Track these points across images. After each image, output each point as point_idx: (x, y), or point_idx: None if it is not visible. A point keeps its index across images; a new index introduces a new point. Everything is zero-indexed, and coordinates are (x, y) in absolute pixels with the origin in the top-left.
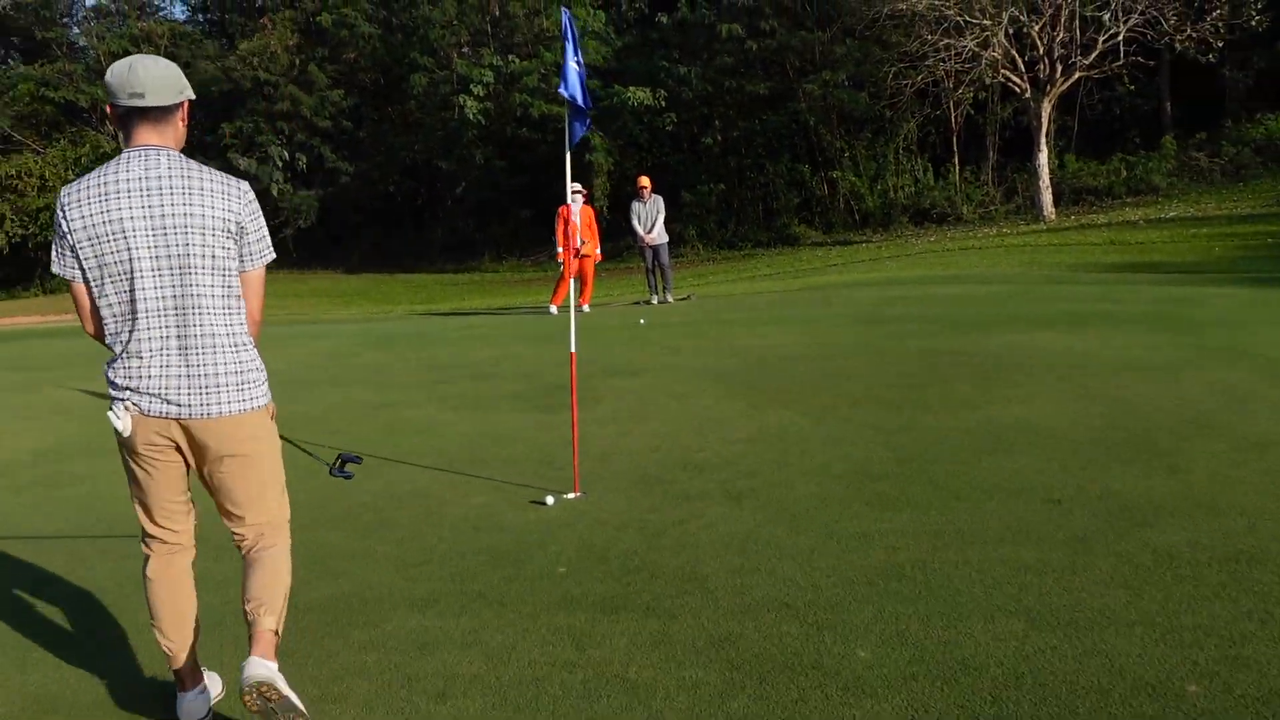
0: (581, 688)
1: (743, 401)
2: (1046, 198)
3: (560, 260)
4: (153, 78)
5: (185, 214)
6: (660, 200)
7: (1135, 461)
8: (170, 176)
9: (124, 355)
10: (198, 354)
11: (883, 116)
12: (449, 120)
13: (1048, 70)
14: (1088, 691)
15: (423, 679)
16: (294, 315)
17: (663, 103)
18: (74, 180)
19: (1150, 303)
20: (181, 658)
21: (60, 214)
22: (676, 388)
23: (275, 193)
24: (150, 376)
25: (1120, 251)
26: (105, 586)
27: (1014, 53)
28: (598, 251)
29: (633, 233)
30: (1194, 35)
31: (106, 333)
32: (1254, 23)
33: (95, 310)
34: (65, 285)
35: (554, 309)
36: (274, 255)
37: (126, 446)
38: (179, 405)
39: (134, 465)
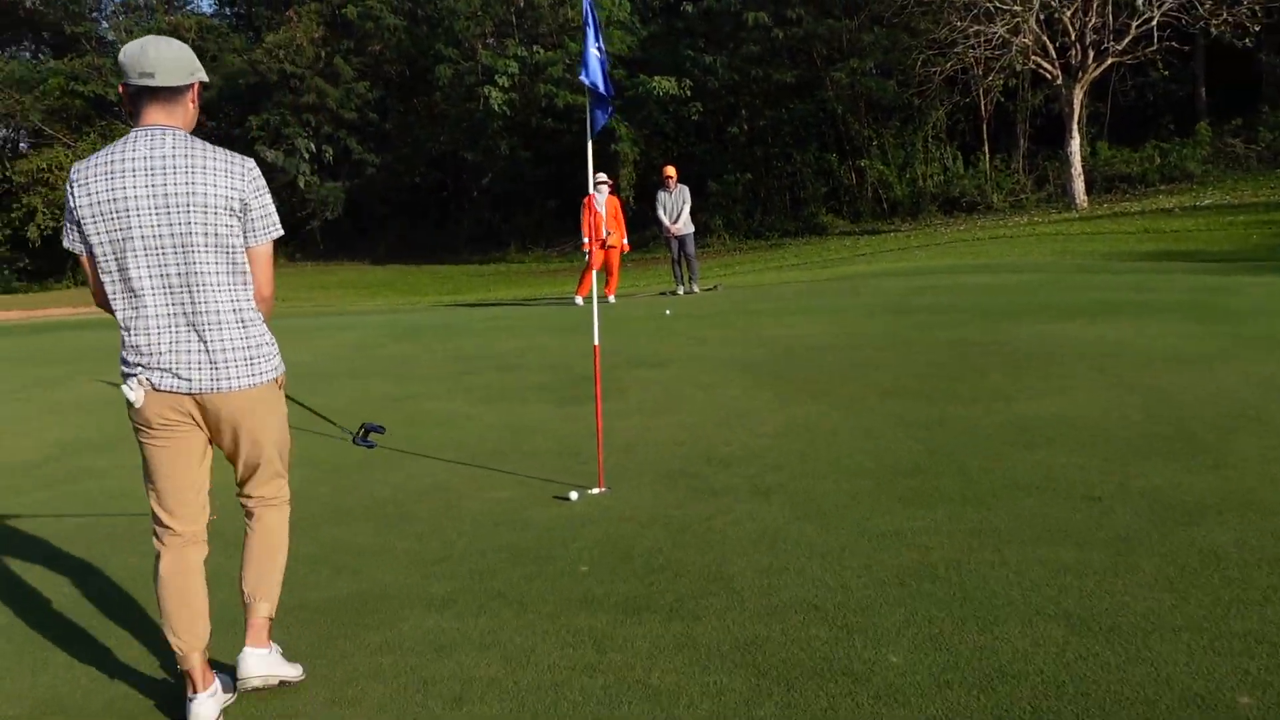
0: (602, 693)
1: (770, 393)
2: (1079, 186)
3: (586, 251)
4: (163, 58)
5: (188, 192)
6: (686, 190)
7: (1177, 457)
8: (174, 155)
9: (133, 332)
10: (205, 330)
11: (911, 104)
12: (474, 111)
13: (1080, 56)
14: (1133, 702)
15: (438, 682)
16: (320, 307)
17: (688, 92)
18: (85, 159)
19: (1186, 292)
20: (193, 657)
21: (69, 191)
22: (703, 379)
23: (302, 185)
24: (160, 353)
25: (1155, 240)
26: (121, 584)
27: (1045, 38)
28: (624, 242)
29: (658, 223)
30: (1230, 19)
31: (115, 309)
32: None
33: (102, 285)
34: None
35: (579, 300)
36: (281, 231)
37: (140, 420)
38: (189, 380)
39: (147, 441)
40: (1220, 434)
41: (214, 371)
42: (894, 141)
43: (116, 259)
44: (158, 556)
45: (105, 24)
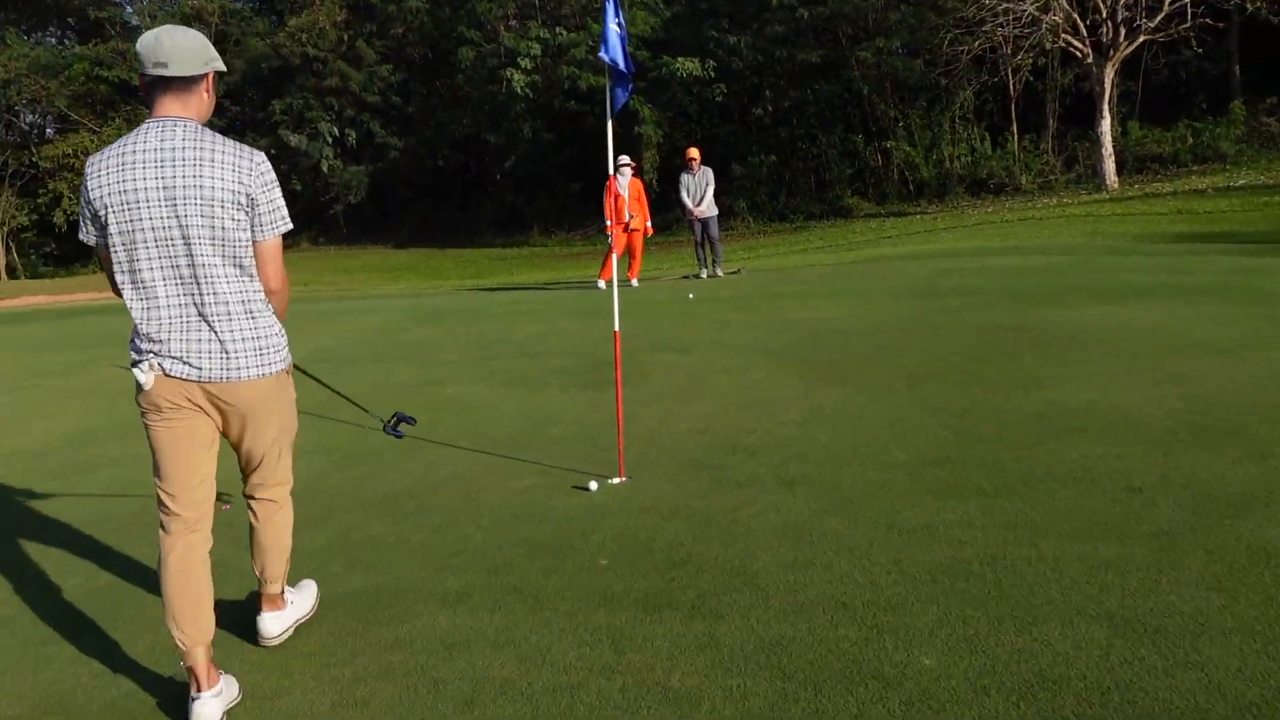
0: (619, 697)
1: (795, 379)
2: (1109, 166)
3: (609, 234)
4: (177, 48)
5: (196, 185)
6: (709, 172)
7: (1220, 446)
8: (184, 148)
9: (145, 322)
10: (215, 320)
11: (938, 84)
12: (497, 94)
13: (1111, 34)
14: (1183, 711)
15: (450, 683)
16: (343, 291)
17: (712, 73)
18: (98, 151)
19: (1220, 274)
20: (196, 652)
21: (84, 183)
22: (726, 364)
23: (325, 169)
24: (170, 342)
25: (1187, 221)
26: (130, 576)
27: (1075, 16)
28: (647, 225)
29: (681, 205)
30: None
31: (126, 300)
32: None
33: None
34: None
35: (602, 284)
36: (289, 225)
37: (148, 403)
38: (199, 368)
39: (153, 424)
40: (1264, 422)
41: (225, 360)
42: (920, 122)
43: (127, 249)
44: (162, 546)
45: (130, 9)
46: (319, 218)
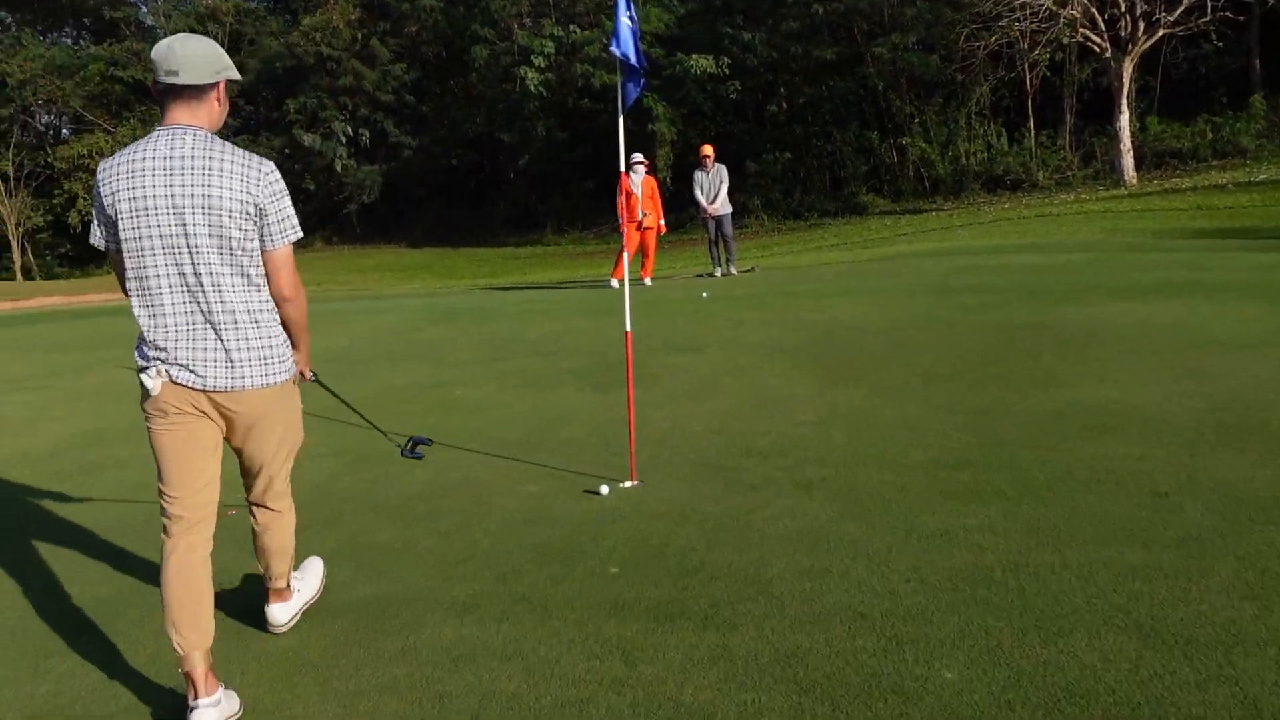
0: (630, 711)
1: (811, 379)
2: (1127, 162)
3: (622, 232)
4: (188, 57)
5: (204, 195)
6: (724, 170)
7: (1247, 448)
8: (193, 157)
9: (152, 328)
10: (222, 329)
11: (954, 80)
12: (510, 92)
13: (1129, 28)
14: None
15: (456, 697)
16: (356, 290)
17: (726, 70)
18: (109, 156)
19: (1243, 270)
20: (194, 656)
21: (95, 189)
22: (740, 364)
23: (339, 168)
24: (176, 350)
25: (1208, 217)
26: (133, 583)
27: (1093, 10)
28: (661, 223)
29: (695, 203)
30: None
31: (133, 307)
32: None
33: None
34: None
35: (615, 283)
36: (300, 234)
37: (153, 408)
38: (205, 377)
39: (157, 428)
40: None
41: (231, 369)
42: (936, 118)
43: (135, 256)
44: (164, 548)
45: (144, 8)
46: (333, 217)
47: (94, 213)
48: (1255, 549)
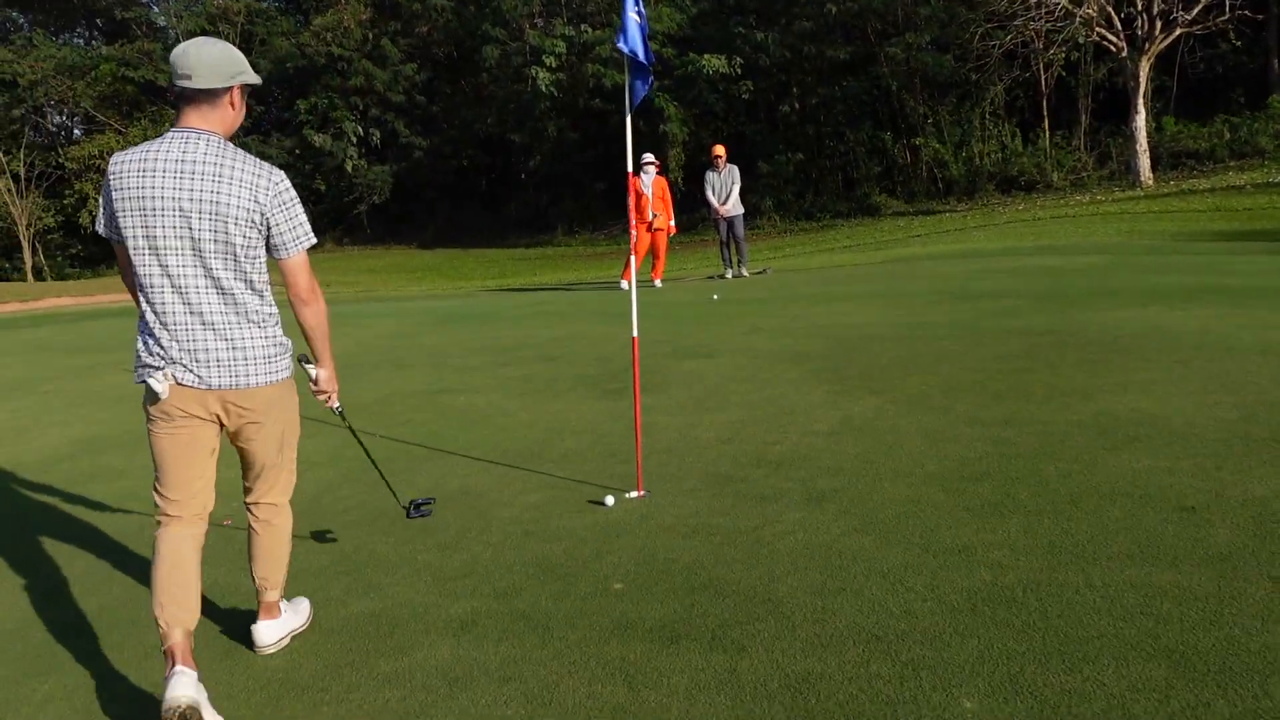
0: None
1: (824, 387)
2: (1144, 162)
3: (633, 233)
4: (202, 61)
5: (212, 200)
6: (735, 170)
7: (1277, 460)
8: (204, 162)
9: (156, 326)
10: (223, 330)
11: (968, 80)
12: (522, 93)
13: (1146, 27)
14: None
15: None
16: (364, 292)
17: (739, 70)
18: (123, 151)
19: (1267, 275)
20: (175, 633)
21: (105, 182)
22: (751, 371)
23: (350, 168)
24: (180, 350)
25: (1226, 219)
26: (121, 601)
27: (1109, 9)
28: (671, 224)
29: (707, 204)
30: None
31: (139, 303)
32: None
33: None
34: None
35: (624, 285)
36: (313, 240)
37: (158, 412)
38: (208, 377)
39: (159, 432)
40: None
41: (233, 368)
42: (950, 119)
43: (140, 254)
44: (157, 535)
45: (156, 8)
46: (343, 218)
47: (102, 205)
48: None
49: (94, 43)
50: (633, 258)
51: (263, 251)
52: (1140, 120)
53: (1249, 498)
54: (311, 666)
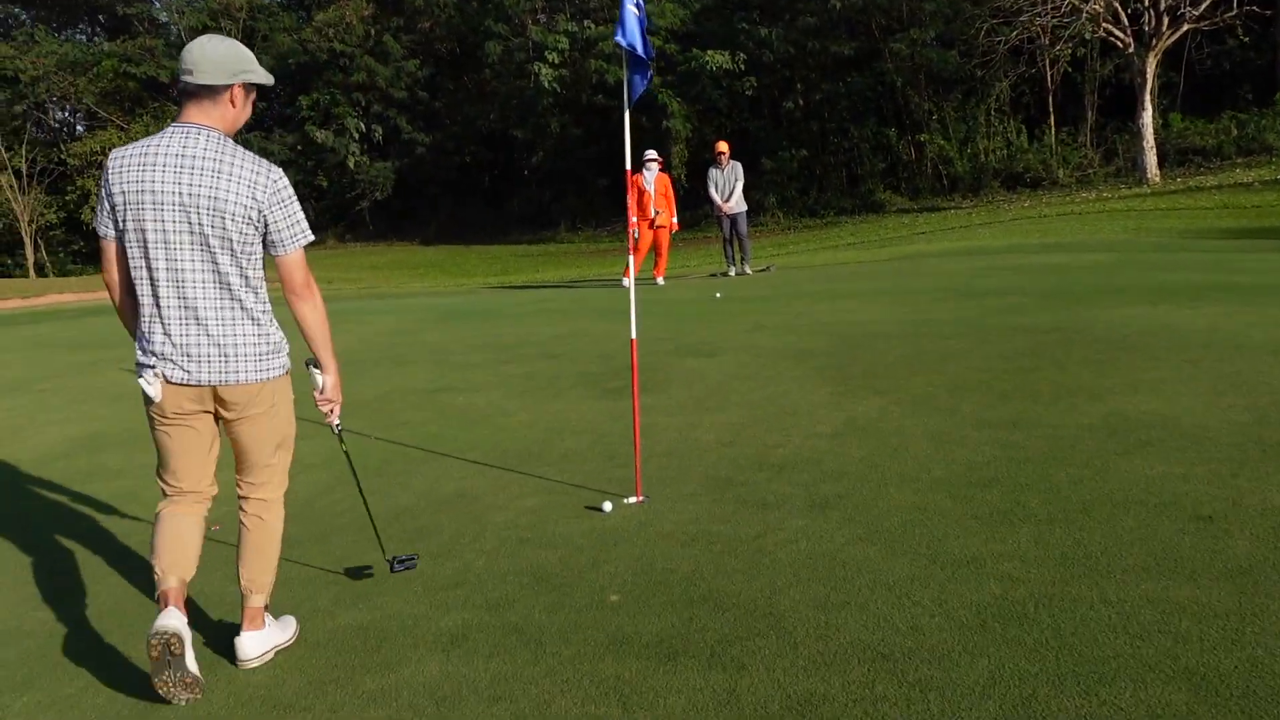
0: None
1: (828, 387)
2: (1150, 159)
3: (634, 230)
4: (204, 58)
5: (210, 195)
6: (739, 167)
7: None
8: (204, 157)
9: (150, 321)
10: (218, 325)
11: (973, 76)
12: (524, 89)
13: (1153, 23)
14: None
15: None
16: (366, 289)
17: (742, 66)
18: (123, 146)
19: (1275, 272)
20: (170, 580)
21: (104, 176)
22: (754, 370)
23: (352, 165)
24: (174, 345)
25: (1234, 216)
26: (102, 611)
27: (1116, 5)
28: (674, 221)
29: (710, 201)
30: None
31: (138, 297)
32: None
33: (124, 272)
34: None
35: (626, 282)
36: (310, 237)
37: (156, 411)
38: (198, 373)
39: (160, 430)
40: None
41: (224, 364)
42: (955, 115)
43: (138, 248)
44: (160, 507)
45: (158, 4)
46: (345, 214)
47: (100, 199)
48: None
49: (96, 39)
50: (631, 257)
51: (259, 248)
52: (1147, 117)
53: (1268, 506)
54: (295, 683)
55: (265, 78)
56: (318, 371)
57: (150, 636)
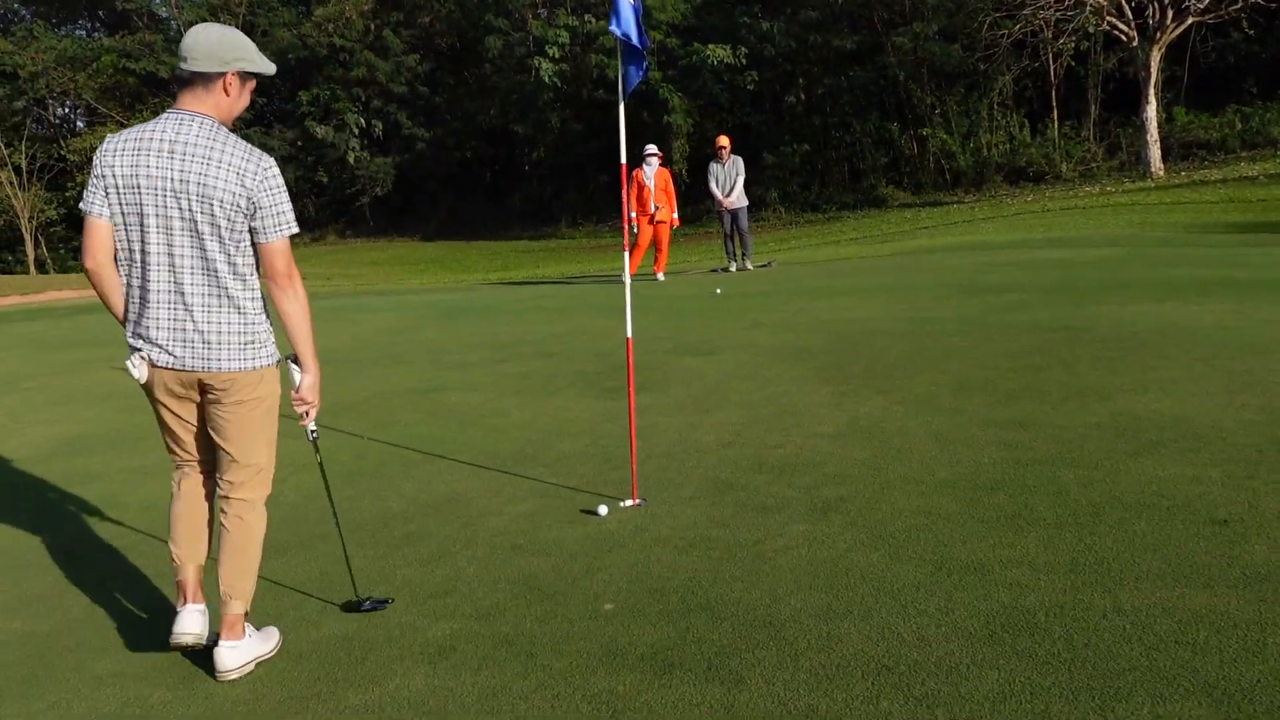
0: None
1: (829, 386)
2: (1154, 153)
3: (635, 225)
4: (200, 44)
5: (200, 181)
6: (740, 161)
7: None
8: (195, 144)
9: (138, 305)
10: (203, 312)
11: (976, 70)
12: (525, 84)
13: (1157, 16)
14: None
15: None
16: (364, 285)
17: (744, 60)
18: (119, 131)
19: None
20: (188, 569)
21: (99, 158)
22: (754, 369)
23: (352, 160)
24: (159, 329)
25: (1240, 210)
26: (76, 621)
27: None
28: (674, 216)
29: (711, 196)
30: None
31: (120, 277)
32: None
33: (110, 252)
34: None
35: (626, 278)
36: (295, 229)
37: (147, 392)
38: (182, 358)
39: (157, 406)
40: None
41: (206, 351)
42: (958, 109)
43: (128, 231)
44: (173, 478)
45: None
46: (345, 210)
47: (92, 179)
48: None
49: (95, 34)
50: (626, 254)
51: (248, 236)
52: (1151, 110)
53: None
54: (275, 697)
55: (263, 66)
56: (297, 369)
57: (171, 640)
